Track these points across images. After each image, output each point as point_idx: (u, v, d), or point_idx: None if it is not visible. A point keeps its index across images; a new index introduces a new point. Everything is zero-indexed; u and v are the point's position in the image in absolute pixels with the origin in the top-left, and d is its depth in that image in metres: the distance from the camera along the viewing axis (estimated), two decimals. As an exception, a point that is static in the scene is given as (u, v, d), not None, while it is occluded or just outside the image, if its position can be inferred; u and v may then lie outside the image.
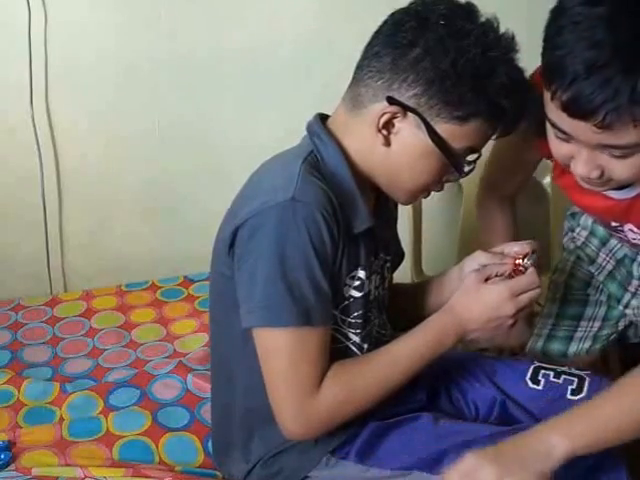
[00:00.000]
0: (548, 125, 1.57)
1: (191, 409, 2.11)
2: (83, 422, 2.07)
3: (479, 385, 1.88)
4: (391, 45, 1.57)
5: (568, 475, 1.57)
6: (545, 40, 1.50)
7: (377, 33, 1.62)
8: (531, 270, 1.67)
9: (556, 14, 1.48)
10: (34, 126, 2.73)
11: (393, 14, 1.62)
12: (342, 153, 1.63)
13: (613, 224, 1.88)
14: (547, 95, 1.49)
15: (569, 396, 1.81)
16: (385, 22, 1.62)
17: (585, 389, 1.82)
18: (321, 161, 1.62)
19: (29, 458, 1.93)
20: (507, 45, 1.58)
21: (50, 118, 2.77)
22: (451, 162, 1.61)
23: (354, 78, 1.65)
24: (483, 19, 1.57)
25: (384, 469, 1.68)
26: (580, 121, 1.43)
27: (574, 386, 1.83)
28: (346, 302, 1.66)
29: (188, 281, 2.78)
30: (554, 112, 1.49)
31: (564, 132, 1.51)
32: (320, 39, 2.85)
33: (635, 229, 1.82)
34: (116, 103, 2.81)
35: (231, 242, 1.61)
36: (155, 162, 2.91)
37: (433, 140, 1.57)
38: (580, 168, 1.54)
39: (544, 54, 1.50)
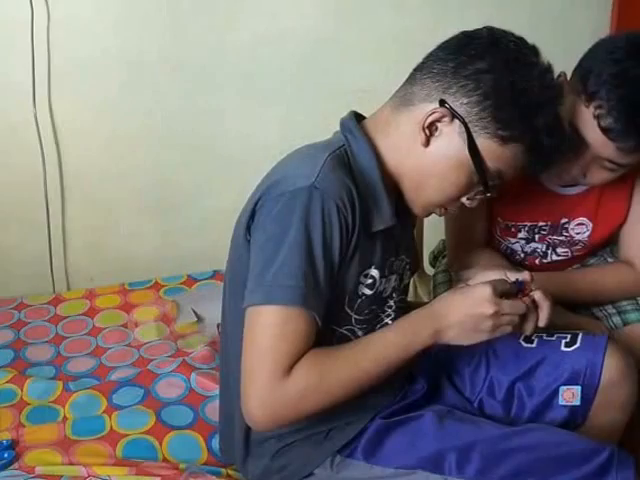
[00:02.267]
0: None
1: (195, 408, 2.11)
2: (87, 421, 2.07)
3: (475, 366, 1.89)
4: (459, 53, 1.61)
5: (578, 473, 1.59)
6: (595, 61, 1.88)
7: (445, 42, 1.66)
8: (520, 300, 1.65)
9: (603, 52, 1.89)
10: (37, 125, 2.73)
11: (464, 31, 1.66)
12: (373, 151, 1.65)
13: (563, 221, 2.14)
14: (584, 108, 1.86)
15: (563, 348, 1.83)
16: (455, 36, 1.66)
17: (579, 341, 1.83)
18: (351, 157, 1.64)
19: (33, 457, 1.94)
20: (559, 91, 1.65)
21: (53, 117, 2.77)
22: (480, 178, 1.62)
23: (409, 78, 1.67)
24: (545, 61, 1.63)
25: (388, 467, 1.68)
26: (608, 140, 1.85)
27: (567, 339, 1.84)
28: (359, 300, 1.66)
29: (192, 279, 2.78)
30: (585, 123, 1.86)
31: (582, 138, 1.87)
32: (323, 36, 2.86)
33: (585, 220, 2.13)
34: (119, 101, 2.81)
35: (249, 223, 1.62)
36: (158, 161, 2.92)
37: (470, 151, 1.59)
38: (575, 171, 1.96)
39: (591, 72, 1.86)
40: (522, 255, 2.22)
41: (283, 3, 2.84)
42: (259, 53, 2.84)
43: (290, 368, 1.53)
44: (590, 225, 2.14)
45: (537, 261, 2.21)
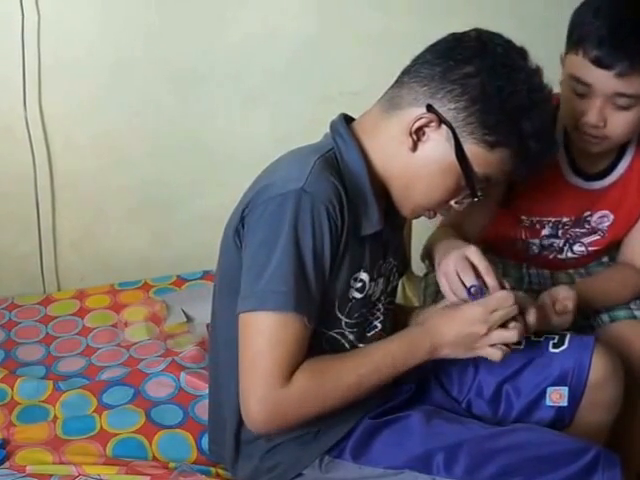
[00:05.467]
0: (567, 87, 1.97)
1: (184, 407, 2.12)
2: (77, 420, 2.08)
3: (464, 367, 1.89)
4: (446, 57, 1.61)
5: (565, 472, 1.60)
6: (575, 17, 1.96)
7: (433, 45, 1.66)
8: (504, 291, 1.69)
9: (580, 10, 1.96)
10: (27, 125, 2.73)
11: (453, 34, 1.66)
12: (362, 155, 1.66)
13: (586, 214, 2.17)
14: (576, 57, 1.91)
15: (551, 349, 1.84)
16: (444, 38, 1.66)
17: (567, 342, 1.84)
18: (340, 160, 1.64)
19: (23, 456, 1.94)
20: (548, 95, 1.65)
21: (43, 117, 2.77)
22: (467, 182, 1.63)
23: (397, 81, 1.68)
24: (533, 64, 1.64)
25: (376, 467, 1.69)
26: (604, 70, 1.87)
27: (555, 340, 1.85)
28: (349, 304, 1.67)
29: (181, 280, 2.79)
30: (582, 67, 1.91)
31: (586, 84, 1.91)
32: (312, 38, 2.86)
33: (607, 212, 2.17)
34: (109, 103, 2.81)
35: (238, 227, 1.63)
36: (148, 161, 2.92)
37: (457, 156, 1.60)
38: (592, 117, 1.93)
39: (574, 26, 1.96)
40: (536, 250, 2.23)
41: (273, 4, 2.84)
42: (248, 54, 2.85)
43: (288, 374, 1.55)
44: (611, 217, 2.17)
45: (551, 256, 2.24)
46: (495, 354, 1.68)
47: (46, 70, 2.72)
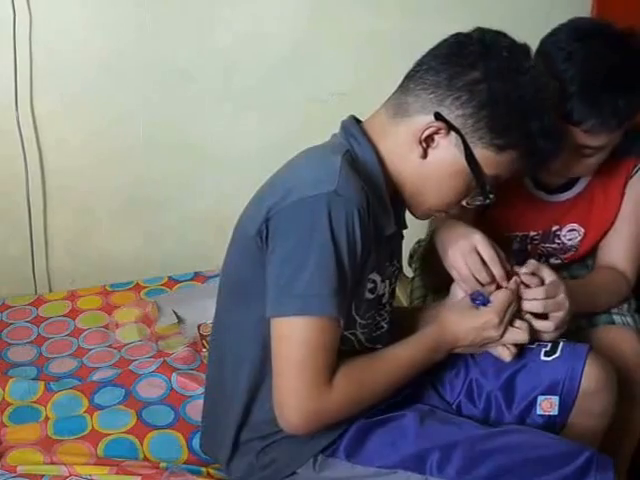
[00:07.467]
0: None
1: (176, 407, 2.12)
2: (68, 420, 2.08)
3: (456, 372, 1.90)
4: (451, 62, 1.61)
5: (558, 474, 1.61)
6: (544, 51, 1.88)
7: (435, 49, 1.66)
8: (504, 291, 1.75)
9: (549, 45, 1.90)
10: (19, 127, 2.73)
11: (456, 35, 1.66)
12: (377, 156, 1.66)
13: (554, 228, 2.15)
14: None
15: (542, 357, 1.84)
16: (445, 41, 1.66)
17: (559, 350, 1.84)
18: (357, 162, 1.64)
19: (15, 456, 1.95)
20: (554, 92, 1.68)
21: (34, 118, 2.77)
22: (479, 186, 1.65)
23: (402, 86, 1.68)
24: (535, 61, 1.65)
25: (369, 467, 1.70)
26: (572, 126, 1.84)
27: (547, 348, 1.85)
28: (364, 305, 1.68)
29: (172, 281, 2.79)
30: None
31: None
32: (305, 43, 2.86)
33: (576, 226, 2.15)
34: (101, 105, 2.81)
35: (263, 232, 1.60)
36: (140, 164, 2.92)
37: (468, 161, 1.61)
38: (557, 167, 1.92)
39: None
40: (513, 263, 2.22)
41: (263, 5, 2.84)
42: (239, 54, 2.85)
43: (329, 379, 1.57)
44: (582, 231, 2.15)
45: None
46: (507, 355, 1.78)
47: (38, 70, 2.72)
